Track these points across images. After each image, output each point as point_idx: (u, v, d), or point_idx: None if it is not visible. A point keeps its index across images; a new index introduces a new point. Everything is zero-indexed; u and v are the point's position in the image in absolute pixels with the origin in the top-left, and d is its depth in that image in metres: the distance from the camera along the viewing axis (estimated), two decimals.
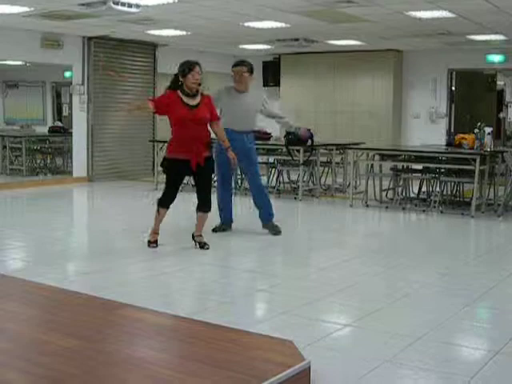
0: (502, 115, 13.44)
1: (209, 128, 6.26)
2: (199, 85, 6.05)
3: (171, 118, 6.13)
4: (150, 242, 6.31)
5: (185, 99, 6.05)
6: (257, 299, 4.97)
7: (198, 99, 6.08)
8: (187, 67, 6.03)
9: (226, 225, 7.15)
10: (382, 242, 7.23)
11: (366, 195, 9.41)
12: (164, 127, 14.11)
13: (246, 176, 7.62)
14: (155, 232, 6.31)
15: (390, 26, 10.20)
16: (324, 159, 10.81)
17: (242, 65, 6.99)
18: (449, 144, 10.46)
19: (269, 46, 12.86)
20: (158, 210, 6.26)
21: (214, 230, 7.00)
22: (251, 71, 7.09)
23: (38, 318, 3.41)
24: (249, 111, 7.01)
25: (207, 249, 6.20)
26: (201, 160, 6.04)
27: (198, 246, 6.25)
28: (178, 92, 6.06)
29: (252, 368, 2.72)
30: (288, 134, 9.95)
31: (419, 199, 9.55)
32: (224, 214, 7.14)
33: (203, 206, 6.24)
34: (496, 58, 12.60)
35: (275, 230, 6.96)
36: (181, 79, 6.04)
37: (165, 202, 6.23)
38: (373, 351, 3.65)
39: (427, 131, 13.13)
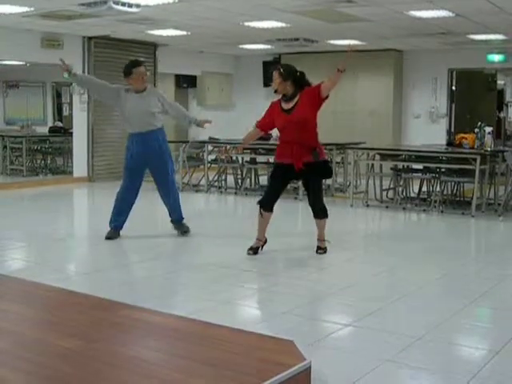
0: (502, 115, 13.44)
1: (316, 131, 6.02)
2: (275, 92, 5.91)
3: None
4: (250, 247, 6.07)
5: (283, 104, 5.94)
6: (257, 299, 4.97)
7: (294, 101, 5.88)
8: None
9: (116, 231, 6.77)
10: (383, 242, 7.23)
11: (366, 195, 9.41)
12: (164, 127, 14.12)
13: (156, 178, 6.90)
14: (258, 238, 6.10)
15: (390, 26, 10.20)
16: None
17: (143, 65, 6.64)
18: (449, 144, 10.47)
19: (269, 46, 12.86)
20: (260, 212, 6.05)
21: (109, 238, 6.67)
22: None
23: (39, 319, 3.41)
24: (145, 111, 6.55)
25: (320, 253, 6.14)
26: (300, 164, 5.85)
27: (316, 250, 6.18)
28: (281, 98, 5.97)
29: (252, 368, 2.72)
30: None
31: (420, 199, 9.55)
32: (120, 217, 6.79)
33: (315, 213, 6.13)
34: (496, 58, 12.61)
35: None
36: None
37: (262, 202, 6.04)
38: (373, 351, 3.66)
39: (428, 131, 13.13)
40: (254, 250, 6.06)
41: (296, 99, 5.88)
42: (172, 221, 6.93)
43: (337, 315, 4.48)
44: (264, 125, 6.13)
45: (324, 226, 6.18)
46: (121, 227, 6.79)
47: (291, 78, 5.88)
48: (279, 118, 5.93)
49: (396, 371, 3.40)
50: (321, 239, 6.20)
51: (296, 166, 5.86)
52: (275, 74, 5.89)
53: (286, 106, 5.91)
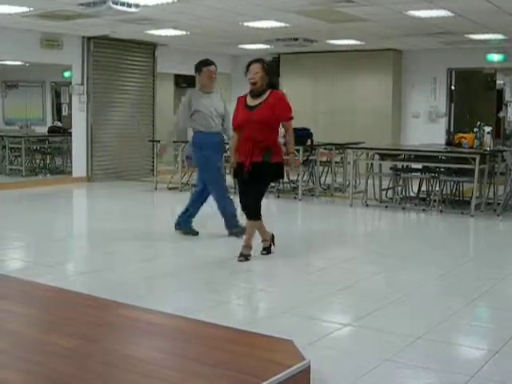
0: (501, 114, 13.44)
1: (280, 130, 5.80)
2: (254, 84, 5.62)
3: None
4: (263, 248, 5.94)
5: (248, 100, 5.67)
6: (257, 299, 4.97)
7: (261, 99, 5.60)
8: (246, 66, 5.67)
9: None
10: (382, 242, 7.23)
11: (365, 195, 9.41)
12: (163, 127, 14.12)
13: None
14: (264, 239, 5.95)
15: (389, 26, 10.20)
16: (324, 159, 10.81)
17: (214, 64, 6.64)
18: (448, 143, 10.46)
19: (268, 46, 12.85)
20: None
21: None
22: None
23: (38, 318, 3.41)
24: (217, 111, 6.65)
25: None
26: (248, 163, 5.59)
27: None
28: (249, 93, 5.71)
29: (252, 368, 2.72)
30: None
31: (419, 198, 9.54)
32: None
33: (246, 215, 5.81)
34: (496, 57, 12.61)
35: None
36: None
37: (244, 209, 5.84)
38: (373, 351, 3.65)
39: (427, 130, 13.13)
40: (267, 250, 5.96)
41: (264, 97, 5.61)
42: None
43: (336, 315, 4.48)
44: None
45: (253, 228, 5.83)
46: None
47: (269, 74, 5.68)
48: (241, 113, 5.68)
49: (395, 371, 3.40)
50: (246, 244, 5.84)
51: (248, 165, 5.60)
52: (258, 67, 5.61)
53: (251, 102, 5.64)
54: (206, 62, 6.67)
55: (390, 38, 11.50)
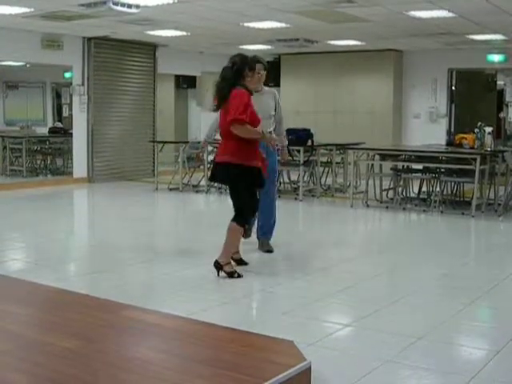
0: (502, 115, 13.44)
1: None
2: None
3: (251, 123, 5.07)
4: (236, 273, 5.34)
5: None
6: (257, 299, 4.97)
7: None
8: (254, 63, 5.33)
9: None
10: (383, 242, 7.23)
11: (366, 195, 9.41)
12: (164, 128, 14.13)
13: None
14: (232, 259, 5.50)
15: (390, 26, 10.20)
16: (324, 159, 10.81)
17: (260, 62, 5.98)
18: (449, 144, 10.46)
19: (269, 47, 12.86)
20: (244, 232, 5.50)
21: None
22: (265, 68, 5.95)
23: (39, 319, 3.41)
24: (269, 111, 6.08)
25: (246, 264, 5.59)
26: (265, 169, 5.31)
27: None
28: (250, 91, 5.22)
29: (253, 368, 2.72)
30: (288, 133, 9.95)
31: (419, 199, 9.55)
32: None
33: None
34: (496, 58, 12.61)
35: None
36: (248, 74, 5.20)
37: (248, 220, 5.51)
38: (373, 351, 3.65)
39: (427, 131, 13.13)
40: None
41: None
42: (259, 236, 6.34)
43: (337, 315, 4.48)
44: (252, 115, 5.10)
45: None
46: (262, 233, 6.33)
47: None
48: (255, 113, 5.15)
49: (396, 371, 3.40)
50: (236, 250, 5.61)
51: (264, 170, 5.24)
52: (263, 68, 5.55)
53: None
54: (254, 60, 6.35)
55: (390, 38, 11.50)
